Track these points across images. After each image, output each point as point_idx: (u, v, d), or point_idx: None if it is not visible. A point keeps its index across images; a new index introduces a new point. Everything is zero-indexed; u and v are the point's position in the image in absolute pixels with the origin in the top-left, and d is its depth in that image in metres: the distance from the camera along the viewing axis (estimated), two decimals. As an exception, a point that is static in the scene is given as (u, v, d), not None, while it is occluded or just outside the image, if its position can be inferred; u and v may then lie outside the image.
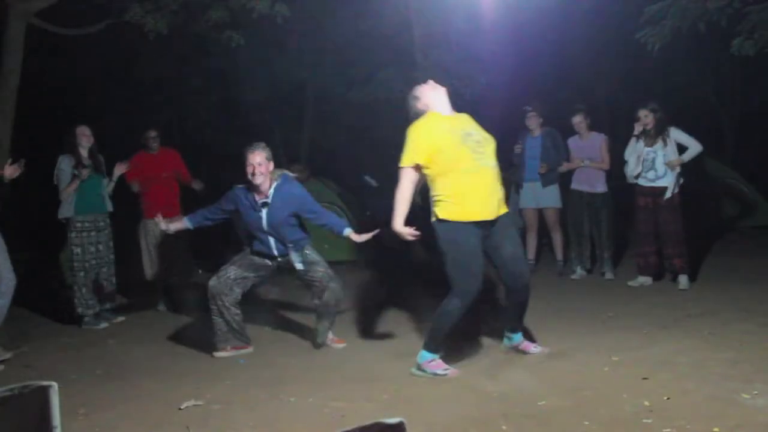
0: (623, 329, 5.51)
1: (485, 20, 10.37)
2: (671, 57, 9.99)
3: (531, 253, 8.05)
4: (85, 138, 6.56)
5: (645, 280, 7.18)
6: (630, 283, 7.18)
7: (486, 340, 5.44)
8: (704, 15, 6.97)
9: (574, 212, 7.88)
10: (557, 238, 8.18)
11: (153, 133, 7.07)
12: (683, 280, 6.94)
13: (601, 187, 7.73)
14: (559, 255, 8.20)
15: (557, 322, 5.92)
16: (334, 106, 13.09)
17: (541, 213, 8.12)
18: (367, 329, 6.11)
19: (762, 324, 5.37)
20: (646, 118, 7.00)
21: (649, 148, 6.98)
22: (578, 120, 7.84)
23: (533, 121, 8.04)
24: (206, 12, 7.69)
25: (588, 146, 7.79)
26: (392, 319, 6.48)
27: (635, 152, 7.05)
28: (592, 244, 7.93)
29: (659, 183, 6.97)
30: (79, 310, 6.48)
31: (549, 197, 8.05)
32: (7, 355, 5.52)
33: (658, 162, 6.96)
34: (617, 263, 7.96)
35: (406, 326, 6.14)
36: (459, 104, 7.56)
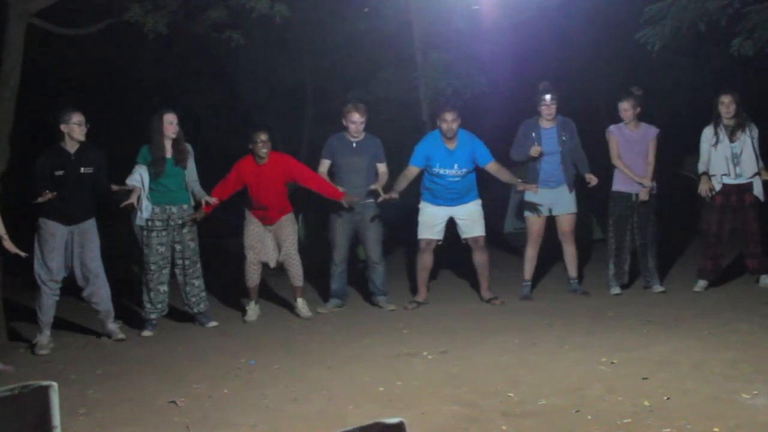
0: (623, 329, 5.51)
1: (485, 20, 10.37)
2: (671, 57, 9.97)
3: (529, 273, 6.99)
4: (171, 127, 6.27)
5: (705, 284, 6.75)
6: (695, 289, 6.70)
7: (488, 340, 5.45)
8: (704, 15, 6.96)
9: (616, 219, 6.86)
10: (571, 251, 6.99)
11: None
12: (766, 280, 6.65)
13: (652, 189, 6.79)
14: (573, 271, 7.04)
15: (557, 321, 5.92)
16: (334, 106, 13.11)
17: (548, 221, 6.96)
18: (369, 329, 6.11)
19: (762, 324, 5.37)
20: (730, 105, 6.53)
21: (733, 144, 6.55)
22: (625, 107, 6.74)
23: (552, 110, 6.77)
24: (206, 12, 7.69)
25: (636, 139, 6.80)
26: (394, 319, 6.48)
27: (723, 152, 6.54)
28: (632, 254, 6.88)
29: (744, 180, 6.56)
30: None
31: (565, 202, 6.88)
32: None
33: (745, 156, 6.55)
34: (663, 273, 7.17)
35: (408, 326, 6.14)
36: (459, 104, 7.57)
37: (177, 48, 11.43)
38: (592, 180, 6.77)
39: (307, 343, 5.75)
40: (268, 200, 6.59)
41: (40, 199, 5.69)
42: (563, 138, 6.83)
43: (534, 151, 6.69)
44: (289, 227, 6.71)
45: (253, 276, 6.71)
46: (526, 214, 6.99)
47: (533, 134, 6.81)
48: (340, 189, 6.68)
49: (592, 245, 9.10)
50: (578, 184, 6.99)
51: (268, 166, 6.57)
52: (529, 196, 6.87)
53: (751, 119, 6.70)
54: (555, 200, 6.88)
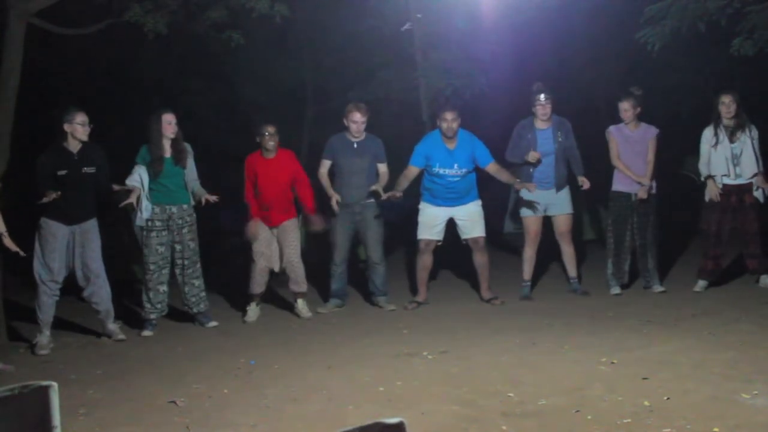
0: (623, 329, 5.51)
1: (485, 20, 10.35)
2: (671, 57, 9.96)
3: (528, 273, 7.00)
4: (170, 127, 6.25)
5: (705, 284, 6.76)
6: (696, 289, 6.71)
7: (488, 340, 5.45)
8: (704, 15, 6.95)
9: (616, 218, 6.85)
10: (569, 251, 7.01)
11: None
12: (766, 280, 6.65)
13: (652, 188, 6.79)
14: (573, 271, 7.06)
15: (557, 321, 5.92)
16: (334, 106, 13.09)
17: (544, 221, 6.98)
18: (369, 329, 6.11)
19: (762, 324, 5.38)
20: (731, 105, 6.55)
21: (733, 144, 6.57)
22: (625, 107, 6.73)
23: (547, 110, 6.80)
24: (206, 12, 7.68)
25: (636, 139, 6.80)
26: (394, 319, 6.48)
27: (723, 152, 6.56)
28: (631, 254, 6.90)
29: (744, 180, 6.58)
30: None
31: (560, 203, 6.91)
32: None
33: (745, 157, 6.56)
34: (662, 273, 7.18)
35: (408, 326, 6.14)
36: (459, 104, 7.56)
37: (177, 48, 11.41)
38: (585, 184, 6.79)
39: (307, 343, 5.76)
40: (272, 196, 6.57)
41: (45, 200, 5.68)
42: (559, 139, 6.83)
43: (532, 157, 6.70)
44: (291, 233, 6.70)
45: (260, 282, 6.69)
46: (523, 214, 6.97)
47: (529, 136, 6.82)
48: (335, 198, 6.69)
49: (585, 246, 9.09)
50: (572, 185, 6.99)
51: (276, 160, 6.58)
52: (526, 196, 6.84)
53: (750, 120, 6.71)
54: (551, 201, 6.90)
